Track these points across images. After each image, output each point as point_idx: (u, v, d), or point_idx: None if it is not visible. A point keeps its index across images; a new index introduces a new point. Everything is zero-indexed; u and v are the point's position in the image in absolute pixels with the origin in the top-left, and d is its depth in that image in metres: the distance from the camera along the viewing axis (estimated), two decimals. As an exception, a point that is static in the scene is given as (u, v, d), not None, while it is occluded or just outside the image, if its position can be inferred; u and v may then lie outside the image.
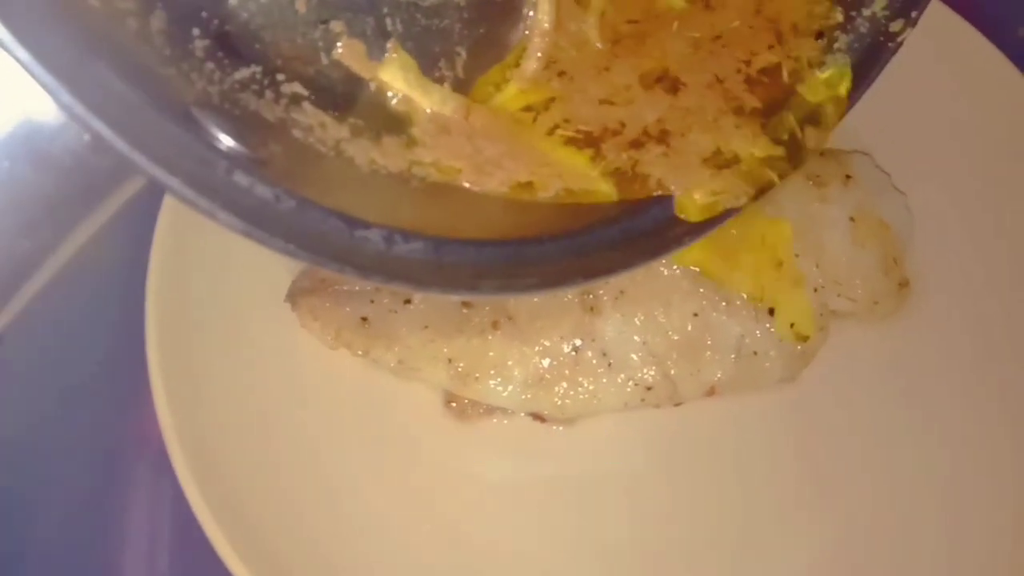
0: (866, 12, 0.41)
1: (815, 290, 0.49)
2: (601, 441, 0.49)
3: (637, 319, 0.47)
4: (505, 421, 0.50)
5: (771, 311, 0.48)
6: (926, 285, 0.51)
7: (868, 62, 0.41)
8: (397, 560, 0.46)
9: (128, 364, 0.52)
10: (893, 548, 0.46)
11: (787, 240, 0.48)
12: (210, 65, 0.30)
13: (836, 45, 0.41)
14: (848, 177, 0.51)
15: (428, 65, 0.36)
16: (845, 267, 0.49)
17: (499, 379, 0.47)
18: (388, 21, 0.35)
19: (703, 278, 0.47)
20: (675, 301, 0.47)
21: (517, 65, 0.39)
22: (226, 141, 0.29)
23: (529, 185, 0.36)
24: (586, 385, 0.47)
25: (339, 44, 0.34)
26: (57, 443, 0.52)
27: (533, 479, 0.49)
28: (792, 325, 0.47)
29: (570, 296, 0.48)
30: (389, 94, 0.35)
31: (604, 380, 0.47)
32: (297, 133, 0.32)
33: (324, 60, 0.33)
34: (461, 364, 0.47)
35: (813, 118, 0.40)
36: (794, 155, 0.39)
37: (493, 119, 0.37)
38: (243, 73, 0.31)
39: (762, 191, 0.38)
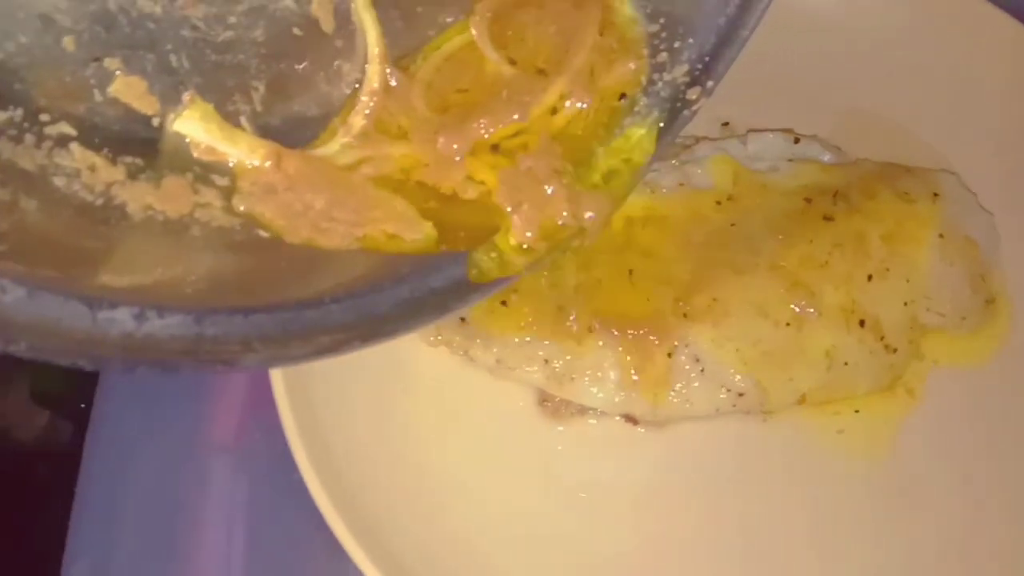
0: (667, 76, 0.41)
1: (905, 304, 0.50)
2: (690, 445, 0.50)
3: (730, 326, 0.48)
4: (594, 422, 0.51)
5: (862, 322, 0.49)
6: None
7: (666, 128, 0.41)
8: (489, 552, 0.47)
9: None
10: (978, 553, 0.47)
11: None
12: None
13: (636, 108, 0.41)
14: (936, 195, 0.52)
15: (221, 100, 0.34)
16: (934, 282, 0.50)
17: (594, 380, 0.49)
18: (172, 58, 0.33)
19: (796, 288, 0.48)
20: (768, 310, 0.48)
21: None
22: None
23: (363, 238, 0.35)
24: (679, 389, 0.48)
25: (114, 81, 0.31)
26: (139, 445, 0.54)
27: (621, 480, 0.50)
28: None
29: (663, 301, 0.49)
30: (189, 144, 0.33)
31: (696, 385, 0.48)
32: (59, 181, 0.29)
33: (98, 97, 0.31)
34: (557, 364, 0.49)
35: (608, 177, 0.41)
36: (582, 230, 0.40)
37: (307, 164, 0.35)
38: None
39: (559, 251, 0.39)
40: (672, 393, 0.48)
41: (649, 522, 0.49)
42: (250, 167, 0.34)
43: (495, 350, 0.49)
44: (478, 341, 0.49)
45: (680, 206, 0.52)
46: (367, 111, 0.38)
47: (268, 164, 0.34)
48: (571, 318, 0.49)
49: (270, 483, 0.52)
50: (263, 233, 0.33)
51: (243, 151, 0.34)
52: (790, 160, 0.54)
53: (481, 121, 0.40)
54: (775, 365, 0.48)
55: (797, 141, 0.55)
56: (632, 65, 0.42)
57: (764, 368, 0.48)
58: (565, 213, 0.40)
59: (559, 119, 0.41)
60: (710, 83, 0.41)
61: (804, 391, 0.48)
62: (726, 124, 0.58)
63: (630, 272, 0.50)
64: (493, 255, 0.39)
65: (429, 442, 0.49)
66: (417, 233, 0.37)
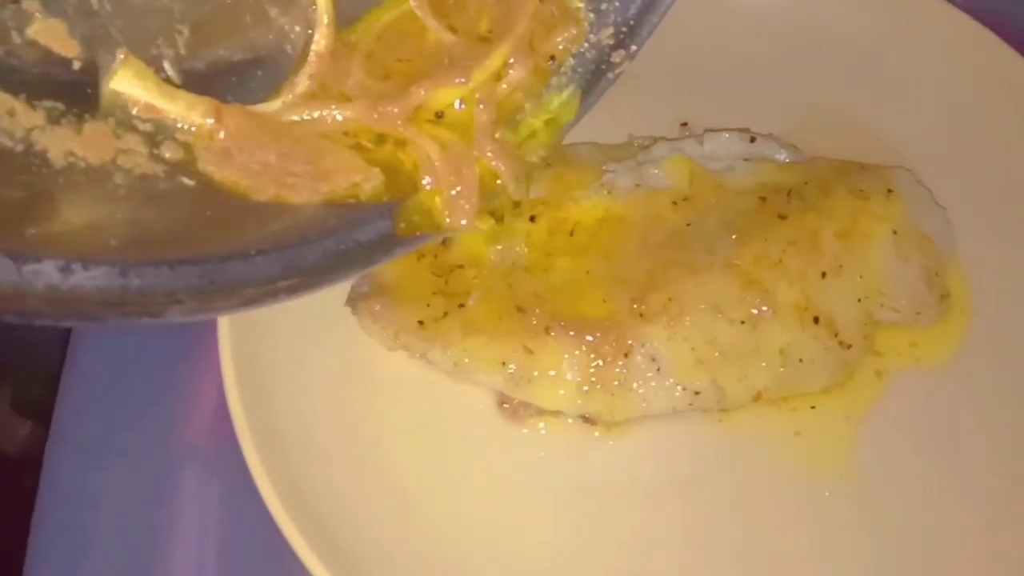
0: (592, 38, 0.42)
1: (859, 300, 0.50)
2: (648, 446, 0.50)
3: (686, 325, 0.48)
4: (545, 424, 0.51)
5: (816, 319, 0.49)
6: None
7: (589, 90, 0.42)
8: (448, 555, 0.47)
9: (182, 368, 0.54)
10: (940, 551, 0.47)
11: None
12: None
13: (563, 70, 0.42)
14: (890, 192, 0.53)
15: (144, 43, 0.33)
16: (889, 279, 0.51)
17: (552, 382, 0.49)
18: (94, 1, 0.32)
19: (751, 287, 0.49)
20: (723, 308, 0.49)
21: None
22: None
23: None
24: (636, 389, 0.49)
25: (33, 23, 0.30)
26: (116, 440, 0.54)
27: (581, 481, 0.50)
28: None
29: (620, 301, 0.49)
30: (127, 102, 0.32)
31: (653, 384, 0.49)
32: None
33: (16, 39, 0.30)
34: (515, 367, 0.49)
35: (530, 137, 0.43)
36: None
37: (248, 120, 0.36)
38: None
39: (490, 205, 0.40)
40: (629, 393, 0.49)
41: (608, 523, 0.49)
42: (192, 125, 0.34)
43: (453, 353, 0.49)
44: (436, 344, 0.49)
45: (637, 207, 0.52)
46: (312, 72, 0.38)
47: (209, 121, 0.34)
48: (529, 320, 0.49)
49: (243, 488, 0.51)
50: (188, 181, 0.33)
51: (181, 108, 0.33)
52: (746, 159, 0.54)
53: (422, 85, 0.40)
54: (730, 363, 0.48)
55: (753, 140, 0.55)
56: (573, 31, 0.42)
57: (720, 366, 0.48)
58: (489, 153, 0.41)
59: (504, 85, 0.42)
60: (634, 47, 0.42)
61: (759, 388, 0.49)
62: (685, 124, 0.59)
63: (587, 273, 0.50)
64: (422, 211, 0.40)
65: (388, 446, 0.49)
66: (372, 180, 0.38)
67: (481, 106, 0.42)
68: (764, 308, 0.49)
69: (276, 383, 0.47)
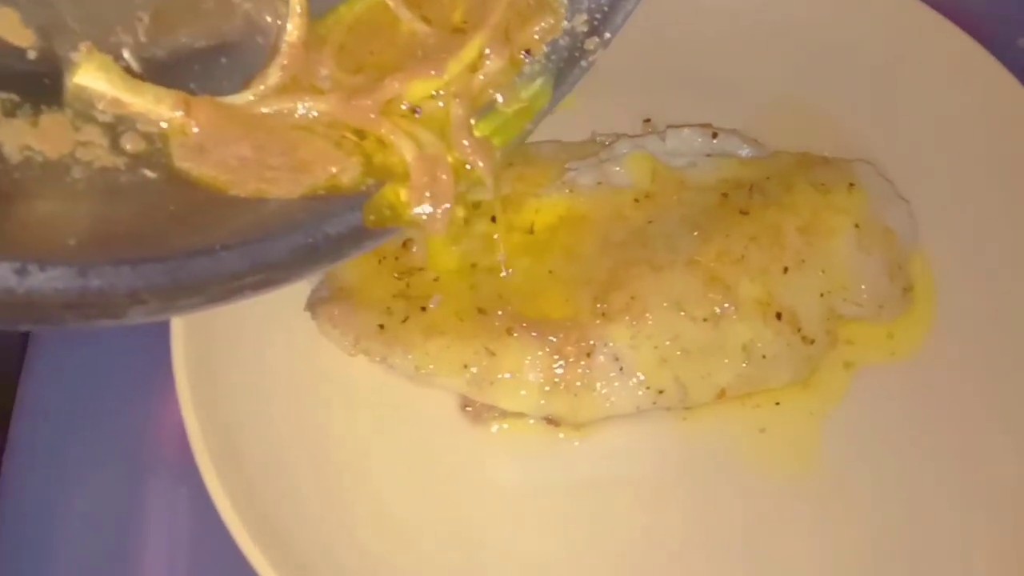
0: (566, 25, 0.42)
1: (821, 295, 0.50)
2: (613, 446, 0.50)
3: (648, 324, 0.48)
4: (508, 425, 0.50)
5: (779, 315, 0.49)
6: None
7: (561, 78, 0.42)
8: (412, 560, 0.47)
9: (147, 374, 0.53)
10: (907, 553, 0.47)
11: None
12: None
13: (536, 57, 0.42)
14: (852, 185, 0.53)
15: (102, 33, 0.32)
16: (851, 273, 0.50)
17: (514, 383, 0.48)
18: None
19: (713, 284, 0.48)
20: (685, 306, 0.48)
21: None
22: None
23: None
24: (599, 389, 0.48)
25: None
26: (78, 452, 0.53)
27: (546, 483, 0.50)
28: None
29: (582, 301, 0.49)
30: (93, 97, 0.32)
31: (616, 384, 0.48)
32: None
33: None
34: (476, 369, 0.48)
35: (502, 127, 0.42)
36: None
37: (217, 111, 0.35)
38: None
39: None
40: (592, 393, 0.48)
41: (574, 524, 0.48)
42: (161, 119, 0.33)
43: (414, 357, 0.49)
44: (397, 348, 0.49)
45: (599, 205, 0.52)
46: (284, 64, 0.37)
47: (178, 113, 0.33)
48: (491, 321, 0.49)
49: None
50: (150, 174, 0.32)
51: (149, 100, 0.33)
52: (708, 155, 0.54)
53: (396, 78, 0.39)
54: (694, 361, 0.48)
55: (715, 136, 0.55)
56: (549, 20, 0.42)
57: (683, 364, 0.48)
58: (467, 147, 0.40)
59: (481, 76, 0.41)
60: (607, 34, 0.41)
61: (723, 386, 0.48)
62: (647, 120, 0.58)
63: (549, 273, 0.50)
64: (391, 204, 0.39)
65: (349, 453, 0.49)
66: (350, 170, 0.37)
67: (456, 99, 0.41)
68: (726, 305, 0.48)
69: (232, 390, 0.47)
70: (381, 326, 0.49)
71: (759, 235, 0.50)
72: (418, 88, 0.40)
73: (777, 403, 0.50)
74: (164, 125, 0.34)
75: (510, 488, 0.49)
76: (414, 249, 0.52)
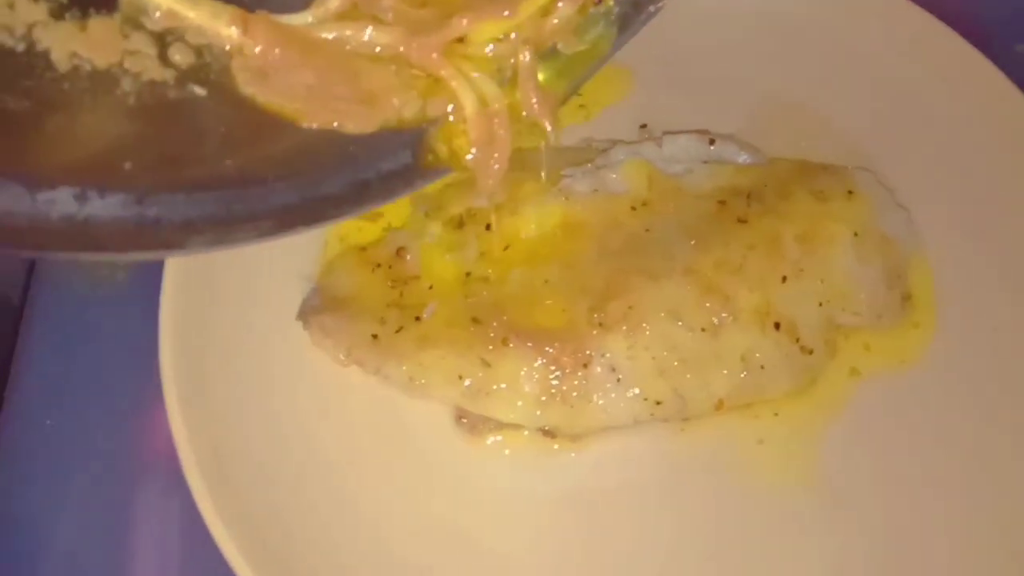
0: None
1: (820, 304, 0.49)
2: (609, 458, 0.49)
3: (646, 334, 0.47)
4: (502, 437, 0.49)
5: (777, 325, 0.48)
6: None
7: (626, 23, 0.40)
8: (406, 574, 0.46)
9: (138, 384, 0.53)
10: (907, 567, 0.46)
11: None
12: None
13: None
14: (851, 193, 0.52)
15: None
16: (850, 281, 0.50)
17: (509, 395, 0.48)
18: None
19: (711, 293, 0.48)
20: (683, 316, 0.48)
21: None
22: None
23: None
24: (596, 400, 0.48)
25: None
26: (69, 461, 0.52)
27: (542, 495, 0.49)
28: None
29: (579, 311, 0.48)
30: (149, 7, 0.30)
31: (613, 395, 0.48)
32: None
33: None
34: (471, 380, 0.48)
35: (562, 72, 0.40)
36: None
37: (275, 31, 0.33)
38: None
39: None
40: (589, 404, 0.48)
41: (570, 537, 0.48)
42: (218, 35, 0.32)
43: (408, 368, 0.48)
44: (390, 359, 0.48)
45: (595, 212, 0.51)
46: None
47: (235, 30, 0.32)
48: (486, 332, 0.48)
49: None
50: (199, 91, 0.31)
51: (205, 15, 0.31)
52: (705, 162, 0.53)
53: (464, 16, 0.37)
54: (692, 372, 0.48)
55: (713, 142, 0.54)
56: None
57: (681, 375, 0.47)
58: (534, 102, 0.39)
59: (555, 20, 0.39)
60: None
61: (721, 396, 0.48)
62: (644, 126, 0.58)
63: (545, 282, 0.49)
64: (449, 145, 0.37)
65: (342, 466, 0.48)
66: (412, 104, 0.35)
67: (526, 46, 0.39)
68: (724, 315, 0.48)
69: (222, 401, 0.46)
70: (374, 336, 0.49)
71: (757, 244, 0.49)
72: (487, 29, 0.38)
73: (776, 414, 0.49)
74: (223, 44, 0.32)
75: (505, 501, 0.49)
76: (408, 257, 0.51)
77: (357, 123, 0.34)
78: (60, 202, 0.26)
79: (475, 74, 0.38)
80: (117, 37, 0.29)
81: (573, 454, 0.49)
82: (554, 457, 0.49)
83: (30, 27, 0.27)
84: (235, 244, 0.31)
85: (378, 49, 0.36)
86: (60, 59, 0.28)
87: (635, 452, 0.49)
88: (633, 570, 0.47)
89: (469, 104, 0.38)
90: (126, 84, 0.29)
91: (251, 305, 0.51)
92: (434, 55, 0.37)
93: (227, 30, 0.32)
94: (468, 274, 0.50)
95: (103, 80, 0.29)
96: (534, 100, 0.39)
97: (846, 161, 0.55)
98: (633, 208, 0.51)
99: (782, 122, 0.59)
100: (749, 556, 0.47)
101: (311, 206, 0.32)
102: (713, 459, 0.49)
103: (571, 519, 0.48)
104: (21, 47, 0.27)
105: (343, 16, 0.36)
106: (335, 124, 0.34)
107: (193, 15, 0.31)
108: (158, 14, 0.31)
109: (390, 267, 0.51)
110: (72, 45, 0.28)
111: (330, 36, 0.35)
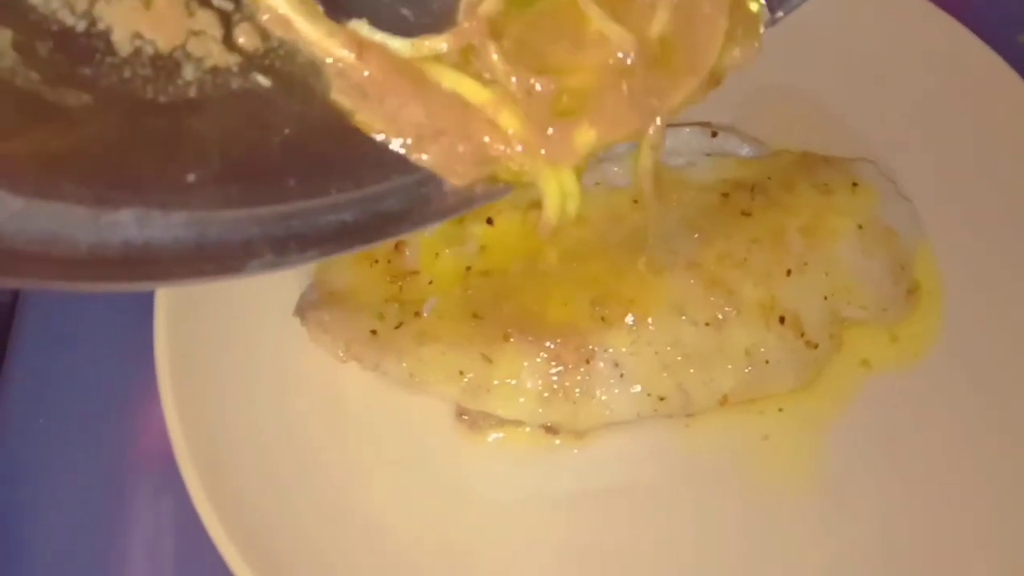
0: None
1: (825, 298, 0.49)
2: (612, 454, 0.49)
3: (649, 329, 0.47)
4: (502, 434, 0.49)
5: (782, 319, 0.48)
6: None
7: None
8: (405, 572, 0.46)
9: (131, 383, 0.52)
10: (912, 563, 0.46)
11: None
12: None
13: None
14: (855, 184, 0.52)
15: None
16: (854, 275, 0.49)
17: (511, 391, 0.47)
18: None
19: (715, 287, 0.47)
20: (687, 310, 0.47)
21: None
22: None
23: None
24: (598, 396, 0.47)
25: None
26: (61, 460, 0.52)
27: (544, 492, 0.49)
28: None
29: (581, 305, 0.47)
30: (260, 7, 0.29)
31: (616, 391, 0.47)
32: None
33: None
34: (472, 376, 0.47)
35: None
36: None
37: (389, 61, 0.31)
38: None
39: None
40: (592, 400, 0.47)
41: (572, 535, 0.47)
42: (330, 56, 0.30)
43: (408, 364, 0.47)
44: (390, 355, 0.47)
45: (597, 206, 0.50)
46: (460, 34, 0.33)
47: (348, 54, 0.30)
48: (486, 327, 0.47)
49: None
50: (263, 81, 0.28)
51: (320, 33, 0.29)
52: (708, 155, 0.53)
53: (594, 123, 0.35)
54: (695, 367, 0.47)
55: (715, 135, 0.54)
56: (754, 46, 0.39)
57: (684, 370, 0.47)
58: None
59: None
60: None
61: (726, 392, 0.47)
62: (645, 119, 0.57)
63: (546, 276, 0.49)
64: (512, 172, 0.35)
65: (341, 463, 0.48)
66: (504, 175, 0.33)
67: (651, 150, 0.38)
68: (728, 309, 0.47)
69: (218, 398, 0.45)
70: (373, 332, 0.48)
71: (761, 237, 0.49)
72: (614, 139, 0.36)
73: (780, 409, 0.49)
74: (334, 62, 0.30)
75: (507, 498, 0.48)
76: (407, 252, 0.50)
77: (459, 178, 0.32)
78: (122, 224, 0.23)
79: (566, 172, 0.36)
80: (183, 14, 0.27)
81: (576, 451, 0.49)
82: (556, 454, 0.49)
83: (92, 2, 0.24)
84: (288, 267, 0.28)
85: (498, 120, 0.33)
86: (122, 40, 0.25)
87: (639, 448, 0.49)
88: (637, 566, 0.46)
89: (551, 207, 0.36)
90: (187, 72, 0.27)
91: (248, 301, 0.50)
92: (561, 156, 0.34)
93: (340, 51, 0.30)
94: (468, 268, 0.49)
95: (165, 67, 0.26)
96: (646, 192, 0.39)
97: (849, 153, 0.54)
98: (635, 201, 0.50)
99: (783, 113, 0.58)
100: (755, 552, 0.46)
101: (370, 222, 0.30)
102: (717, 455, 0.48)
103: (574, 517, 0.48)
104: (82, 26, 0.24)
105: (443, 60, 0.33)
106: (437, 169, 0.32)
107: (307, 30, 0.29)
108: (266, 16, 0.28)
109: (389, 262, 0.50)
110: (135, 24, 0.25)
111: (445, 86, 0.33)
